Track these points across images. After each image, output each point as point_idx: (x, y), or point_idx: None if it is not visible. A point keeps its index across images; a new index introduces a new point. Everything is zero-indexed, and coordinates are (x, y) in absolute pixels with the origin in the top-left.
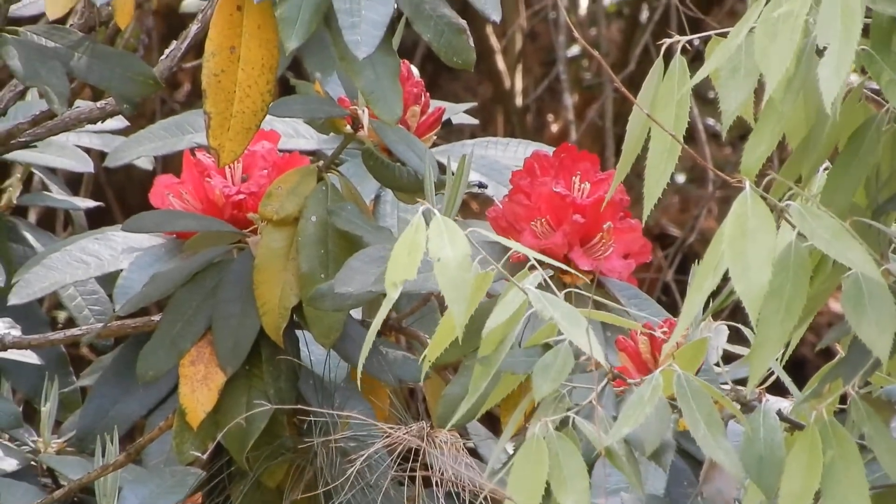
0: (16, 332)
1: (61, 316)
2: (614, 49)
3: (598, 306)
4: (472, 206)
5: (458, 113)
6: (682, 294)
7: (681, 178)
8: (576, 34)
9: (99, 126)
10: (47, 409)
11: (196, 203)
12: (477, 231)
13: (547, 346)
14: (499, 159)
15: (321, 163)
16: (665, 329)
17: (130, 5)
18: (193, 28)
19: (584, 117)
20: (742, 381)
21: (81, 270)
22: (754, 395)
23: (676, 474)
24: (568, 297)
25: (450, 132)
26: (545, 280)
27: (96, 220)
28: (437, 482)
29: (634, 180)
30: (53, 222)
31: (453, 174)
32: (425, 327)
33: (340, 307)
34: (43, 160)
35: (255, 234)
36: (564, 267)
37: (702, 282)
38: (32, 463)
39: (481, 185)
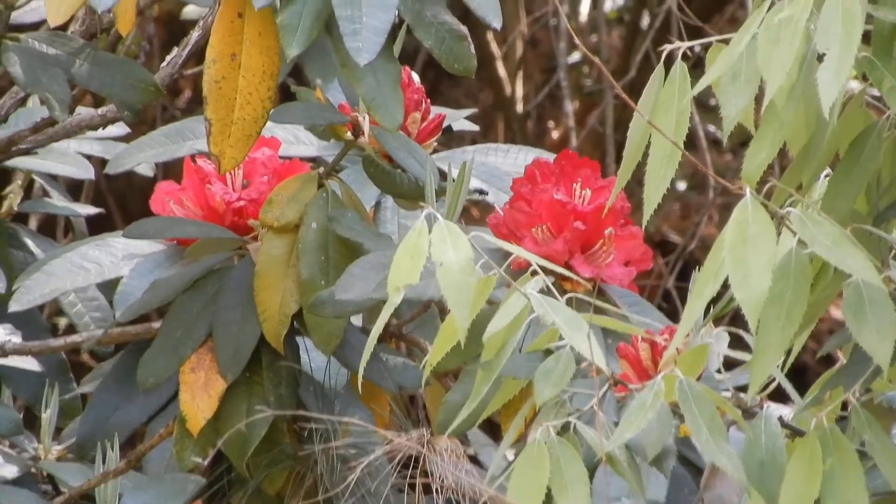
0: (16, 339)
1: (62, 322)
2: (615, 56)
3: (599, 313)
4: (473, 213)
5: (459, 119)
6: (683, 301)
7: (682, 186)
8: (576, 41)
9: (100, 133)
10: (48, 416)
11: (197, 210)
12: (479, 235)
13: (548, 352)
14: (499, 166)
15: (322, 169)
16: (666, 336)
17: (132, 12)
18: (194, 35)
19: (585, 124)
20: (743, 388)
21: (82, 277)
22: (755, 401)
23: (677, 481)
24: (569, 304)
25: (450, 139)
26: (547, 285)
27: (97, 226)
28: (437, 489)
29: (635, 187)
30: (54, 229)
31: (454, 181)
32: (425, 334)
33: (341, 314)
34: (44, 167)
35: (255, 241)
36: (566, 272)
37: (702, 288)
38: (33, 470)
39: (482, 192)
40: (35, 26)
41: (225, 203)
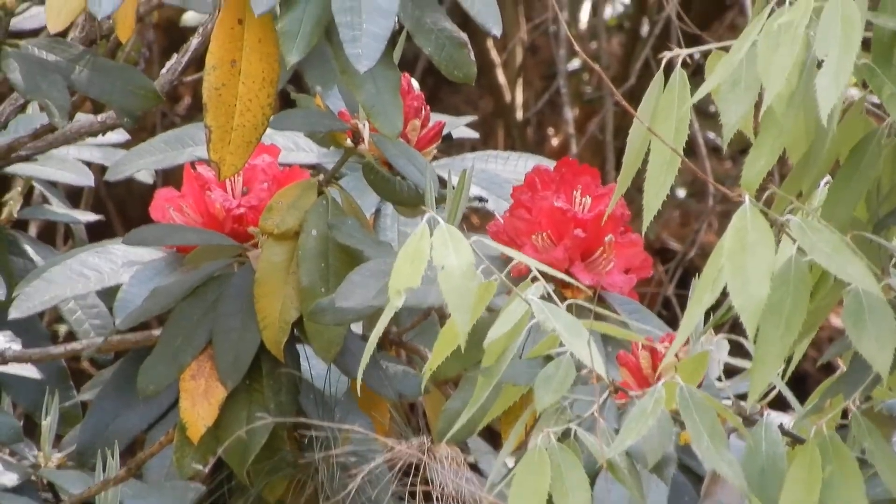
0: (16, 346)
1: (62, 330)
2: (615, 63)
3: (600, 320)
4: (473, 221)
5: (459, 126)
6: (683, 308)
7: (681, 193)
8: (576, 48)
9: (100, 139)
10: (48, 424)
11: (196, 217)
12: (480, 241)
13: (549, 358)
14: (499, 173)
15: (322, 176)
16: (666, 344)
17: (131, 18)
18: (194, 41)
19: (585, 131)
20: (744, 396)
21: (82, 284)
22: (756, 409)
23: (677, 489)
24: (569, 311)
25: (450, 146)
26: (548, 291)
27: (97, 233)
28: (437, 497)
29: (635, 194)
30: (54, 236)
31: (454, 188)
32: (426, 342)
33: (341, 321)
34: (43, 173)
35: (255, 248)
36: (566, 278)
37: (701, 295)
38: (33, 478)
39: (482, 199)
40: (35, 33)
41: (225, 210)
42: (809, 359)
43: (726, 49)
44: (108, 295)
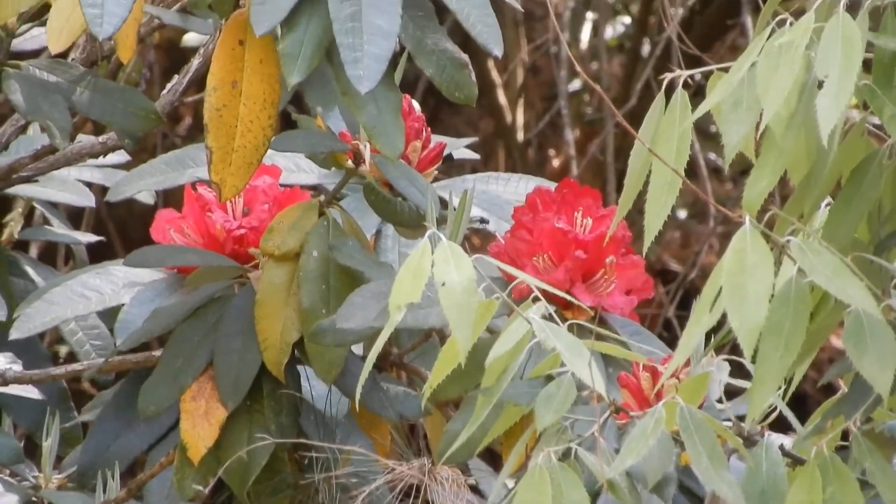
0: (17, 367)
1: (62, 351)
2: (616, 83)
3: (601, 340)
4: (474, 242)
5: (460, 148)
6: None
7: (682, 214)
8: (577, 68)
9: (100, 160)
10: (48, 445)
11: (197, 238)
12: (482, 258)
13: (549, 378)
14: (500, 194)
15: (322, 198)
16: (667, 365)
17: (132, 39)
18: (195, 62)
19: (586, 152)
20: (745, 417)
21: (83, 305)
22: (756, 430)
23: None
24: (570, 331)
25: (451, 167)
26: (549, 312)
27: (98, 254)
28: None
29: (636, 216)
30: (55, 257)
31: (455, 209)
32: (426, 364)
33: (342, 343)
34: (44, 194)
35: (256, 269)
36: (568, 297)
37: (700, 316)
38: (34, 499)
39: (483, 221)
40: (36, 53)
41: (226, 231)
42: (809, 380)
43: (727, 70)
44: (109, 316)
